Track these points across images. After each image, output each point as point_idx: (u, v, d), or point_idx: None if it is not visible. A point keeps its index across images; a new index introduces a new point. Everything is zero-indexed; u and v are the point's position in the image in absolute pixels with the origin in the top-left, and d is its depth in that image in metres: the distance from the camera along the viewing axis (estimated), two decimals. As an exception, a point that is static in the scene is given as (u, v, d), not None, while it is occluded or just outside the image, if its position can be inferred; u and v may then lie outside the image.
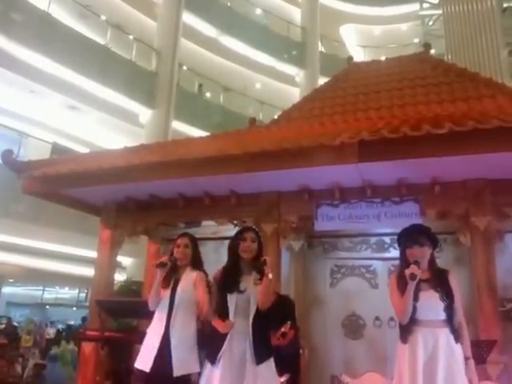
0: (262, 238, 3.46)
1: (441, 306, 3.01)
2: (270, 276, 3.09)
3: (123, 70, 15.28)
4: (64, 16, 14.49)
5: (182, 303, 3.47)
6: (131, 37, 16.66)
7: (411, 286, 2.99)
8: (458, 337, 3.01)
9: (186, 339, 3.43)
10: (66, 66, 13.48)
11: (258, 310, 3.13)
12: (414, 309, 3.03)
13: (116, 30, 16.14)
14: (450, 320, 3.02)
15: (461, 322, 3.08)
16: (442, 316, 3.01)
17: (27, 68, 12.91)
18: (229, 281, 3.20)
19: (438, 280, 3.10)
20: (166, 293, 3.49)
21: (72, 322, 18.12)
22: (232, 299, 3.16)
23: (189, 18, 18.10)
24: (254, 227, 3.52)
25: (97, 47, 14.92)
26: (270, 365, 3.15)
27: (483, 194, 5.16)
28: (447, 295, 3.03)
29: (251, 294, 3.16)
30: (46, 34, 13.09)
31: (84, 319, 13.87)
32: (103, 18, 16.16)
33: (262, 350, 3.09)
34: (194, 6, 18.09)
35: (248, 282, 3.21)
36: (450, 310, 3.02)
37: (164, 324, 3.40)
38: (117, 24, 16.17)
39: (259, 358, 3.06)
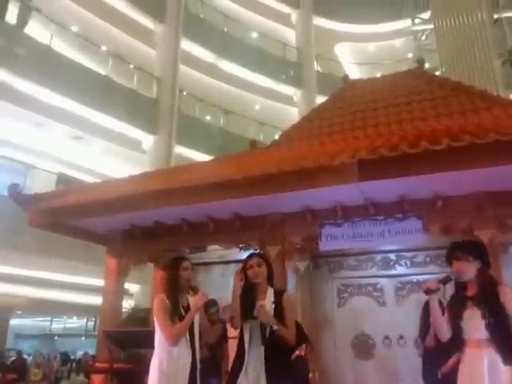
0: (269, 259, 3.50)
1: (482, 323, 2.80)
2: (276, 327, 3.08)
3: (125, 99, 15.52)
4: (65, 48, 14.79)
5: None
6: (132, 66, 16.94)
7: (430, 300, 2.94)
8: (508, 358, 2.73)
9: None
10: (69, 97, 13.73)
11: (271, 336, 3.12)
12: (460, 328, 2.89)
13: (117, 60, 16.43)
14: (495, 339, 2.77)
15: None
16: (485, 335, 2.79)
17: (31, 101, 13.17)
18: (243, 309, 3.21)
19: (484, 296, 2.87)
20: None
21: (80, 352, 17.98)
22: (246, 327, 3.18)
23: (187, 45, 18.43)
24: (257, 252, 3.56)
25: (98, 77, 15.21)
26: None
27: (485, 207, 5.16)
28: (492, 312, 2.80)
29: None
30: (49, 66, 13.37)
31: (85, 354, 13.84)
32: (104, 48, 16.48)
33: (276, 375, 3.09)
34: (191, 32, 18.44)
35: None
36: (494, 327, 2.78)
37: (190, 352, 3.21)
38: (117, 54, 16.47)
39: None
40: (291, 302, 3.34)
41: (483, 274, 2.94)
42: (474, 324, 2.83)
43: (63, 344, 21.33)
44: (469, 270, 2.93)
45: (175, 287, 3.27)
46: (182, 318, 3.18)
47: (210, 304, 5.62)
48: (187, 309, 3.26)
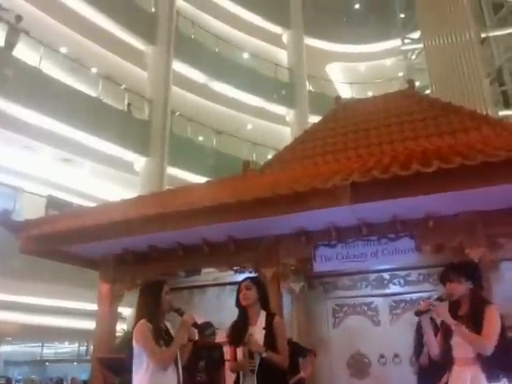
0: (262, 283, 3.52)
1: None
2: (264, 355, 3.11)
3: (116, 121, 15.51)
4: (55, 71, 14.78)
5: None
6: (122, 87, 17.01)
7: (422, 321, 3.10)
8: (491, 376, 2.85)
9: None
10: (59, 120, 13.66)
11: (262, 362, 3.13)
12: (450, 346, 3.01)
13: (107, 82, 16.47)
14: (480, 357, 2.88)
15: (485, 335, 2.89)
16: (472, 353, 2.91)
17: (19, 123, 13.07)
18: (235, 334, 3.22)
19: (472, 316, 2.98)
20: None
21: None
22: (240, 352, 3.18)
23: (178, 66, 18.54)
24: (250, 276, 3.58)
25: (89, 99, 15.19)
26: None
27: (476, 226, 5.21)
28: (477, 331, 2.89)
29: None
30: (38, 89, 13.28)
31: (73, 379, 13.61)
32: (94, 70, 16.54)
33: None
34: (182, 53, 18.57)
35: (253, 333, 3.23)
36: None
37: (176, 376, 3.18)
38: (107, 75, 16.51)
39: None
40: (282, 325, 3.34)
41: (474, 295, 3.05)
42: (462, 343, 2.93)
43: (55, 370, 21.00)
44: (460, 290, 3.05)
45: (158, 312, 3.21)
46: (166, 342, 3.12)
47: (206, 327, 5.60)
48: (166, 333, 3.22)
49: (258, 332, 3.23)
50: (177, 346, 3.12)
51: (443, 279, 3.15)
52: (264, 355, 3.09)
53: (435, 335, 3.16)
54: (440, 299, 3.09)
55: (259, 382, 3.09)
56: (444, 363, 3.07)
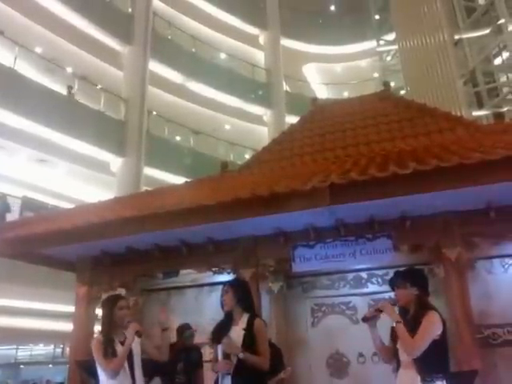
0: (241, 284, 3.51)
1: None
2: (241, 356, 3.13)
3: (92, 121, 15.37)
4: (30, 70, 14.56)
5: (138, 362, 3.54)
6: (98, 87, 16.81)
7: (369, 327, 3.24)
8: (426, 378, 2.96)
9: None
10: (34, 120, 13.51)
11: (239, 363, 3.12)
12: (397, 350, 3.13)
13: (83, 82, 16.28)
14: (417, 359, 2.99)
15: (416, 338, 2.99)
16: (409, 357, 3.03)
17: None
18: (217, 332, 3.24)
19: (412, 320, 3.10)
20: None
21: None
22: (219, 350, 3.19)
23: (155, 66, 18.44)
24: (230, 279, 3.59)
25: (64, 99, 15.01)
26: None
27: (452, 226, 5.32)
28: (413, 335, 3.00)
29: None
30: (12, 89, 13.14)
31: (48, 381, 13.38)
32: (69, 70, 16.31)
33: None
34: (159, 54, 18.48)
35: (234, 332, 3.24)
36: None
37: (131, 382, 3.43)
38: (83, 76, 16.32)
39: None
40: (261, 327, 3.34)
41: (419, 300, 3.16)
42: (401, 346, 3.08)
43: (30, 373, 20.62)
44: (405, 296, 3.18)
45: (109, 327, 3.50)
46: (115, 354, 3.40)
47: (184, 328, 5.58)
48: (123, 343, 3.47)
49: (238, 332, 3.23)
50: (122, 356, 3.38)
51: (391, 285, 3.31)
52: (241, 356, 3.09)
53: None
54: (382, 307, 3.20)
55: (234, 381, 3.09)
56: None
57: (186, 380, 5.05)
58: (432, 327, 3.01)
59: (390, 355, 3.27)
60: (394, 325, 3.10)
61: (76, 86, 15.86)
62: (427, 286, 3.27)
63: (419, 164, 4.47)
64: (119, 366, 3.36)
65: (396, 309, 3.17)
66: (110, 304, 3.57)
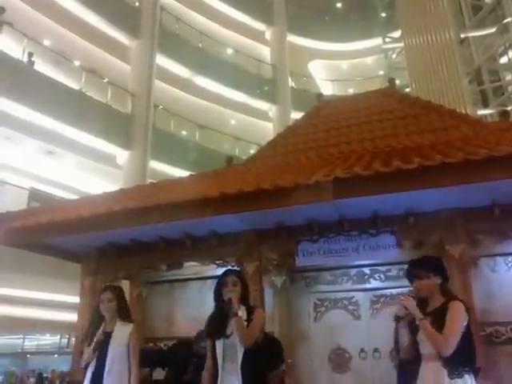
0: (245, 277, 3.51)
1: None
2: (240, 313, 3.10)
3: (99, 114, 15.42)
4: (38, 63, 14.62)
5: (118, 356, 3.64)
6: (106, 81, 16.87)
7: (400, 326, 3.06)
8: (453, 372, 2.82)
9: None
10: (42, 112, 13.57)
11: (246, 353, 3.13)
12: (417, 343, 2.99)
13: (90, 75, 16.35)
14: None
15: (445, 335, 2.84)
16: (434, 350, 2.89)
17: (1, 115, 12.93)
18: (215, 327, 3.22)
19: (439, 311, 2.95)
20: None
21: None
22: (219, 345, 3.19)
23: (162, 61, 18.46)
24: (235, 269, 3.57)
25: (72, 92, 15.07)
26: None
27: (456, 223, 5.30)
28: (441, 327, 2.87)
29: (237, 337, 3.19)
30: (21, 81, 13.19)
31: (53, 371, 13.48)
32: (77, 63, 16.38)
33: None
34: (166, 48, 18.51)
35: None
36: None
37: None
38: (91, 69, 16.39)
39: None
40: (261, 314, 3.32)
41: (441, 290, 3.02)
42: (426, 339, 2.91)
43: (36, 362, 20.78)
44: (428, 286, 3.02)
45: (94, 317, 3.79)
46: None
47: (200, 338, 5.47)
48: (108, 335, 3.67)
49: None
50: (88, 354, 3.59)
51: (411, 277, 3.09)
52: (239, 314, 3.07)
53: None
54: (412, 297, 3.06)
55: (243, 373, 3.10)
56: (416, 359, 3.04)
57: (192, 381, 5.04)
58: (460, 320, 2.88)
59: (410, 350, 3.11)
60: (417, 322, 2.96)
61: (83, 80, 15.93)
62: (447, 272, 3.13)
63: (424, 159, 4.46)
64: (89, 355, 3.58)
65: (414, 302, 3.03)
66: (97, 296, 3.86)
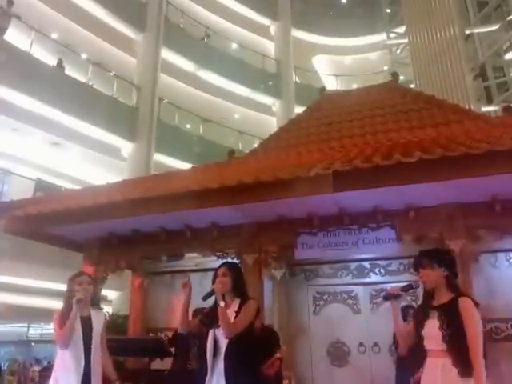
0: (239, 269, 3.47)
1: (439, 335, 2.75)
2: (222, 304, 3.08)
3: (104, 106, 15.44)
4: (45, 55, 14.67)
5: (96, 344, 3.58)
6: (112, 74, 16.91)
7: (391, 307, 3.00)
8: (464, 371, 2.64)
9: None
10: (48, 104, 13.60)
11: (229, 342, 3.09)
12: (421, 337, 2.87)
13: (96, 68, 16.39)
14: (452, 351, 2.71)
15: (472, 356, 2.64)
16: (442, 346, 2.74)
17: (9, 106, 12.99)
18: (210, 317, 3.25)
19: (447, 307, 2.81)
20: (78, 331, 3.52)
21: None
22: (211, 334, 3.20)
23: (167, 54, 18.46)
24: (230, 261, 3.55)
25: (78, 85, 15.11)
26: None
27: (456, 218, 5.28)
28: (449, 324, 2.74)
29: None
30: (28, 73, 13.23)
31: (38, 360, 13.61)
32: (84, 56, 16.44)
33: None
34: (171, 42, 18.50)
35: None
36: (451, 340, 2.72)
37: (82, 363, 3.48)
38: (97, 62, 16.42)
39: None
40: (251, 306, 3.23)
41: (448, 283, 2.90)
42: (433, 335, 2.79)
43: (40, 350, 20.94)
44: (431, 277, 2.90)
45: (67, 304, 3.55)
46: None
47: (200, 312, 5.51)
48: (87, 319, 3.57)
49: (230, 315, 3.22)
50: (68, 325, 3.43)
51: (416, 266, 3.00)
52: (221, 305, 3.06)
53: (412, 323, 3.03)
54: (410, 286, 3.01)
55: (227, 365, 3.06)
56: (418, 354, 2.96)
57: (197, 366, 5.04)
58: (477, 319, 2.73)
59: (409, 340, 2.99)
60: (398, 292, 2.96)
61: (90, 72, 15.98)
62: (456, 267, 3.00)
63: (425, 153, 4.45)
64: (66, 334, 3.44)
65: (420, 293, 2.97)
66: (70, 282, 3.65)
